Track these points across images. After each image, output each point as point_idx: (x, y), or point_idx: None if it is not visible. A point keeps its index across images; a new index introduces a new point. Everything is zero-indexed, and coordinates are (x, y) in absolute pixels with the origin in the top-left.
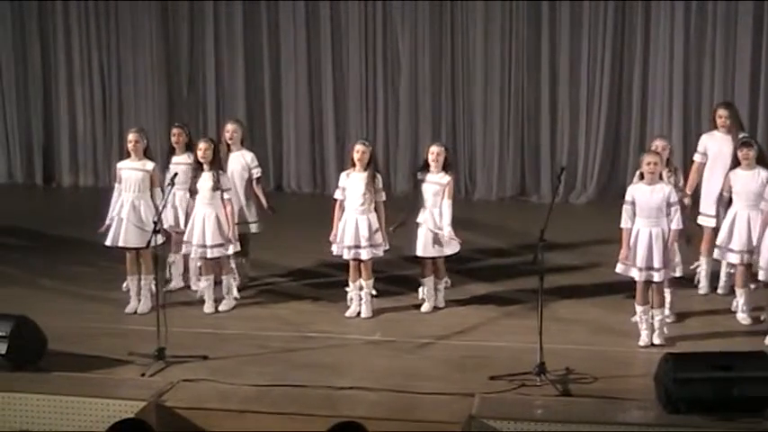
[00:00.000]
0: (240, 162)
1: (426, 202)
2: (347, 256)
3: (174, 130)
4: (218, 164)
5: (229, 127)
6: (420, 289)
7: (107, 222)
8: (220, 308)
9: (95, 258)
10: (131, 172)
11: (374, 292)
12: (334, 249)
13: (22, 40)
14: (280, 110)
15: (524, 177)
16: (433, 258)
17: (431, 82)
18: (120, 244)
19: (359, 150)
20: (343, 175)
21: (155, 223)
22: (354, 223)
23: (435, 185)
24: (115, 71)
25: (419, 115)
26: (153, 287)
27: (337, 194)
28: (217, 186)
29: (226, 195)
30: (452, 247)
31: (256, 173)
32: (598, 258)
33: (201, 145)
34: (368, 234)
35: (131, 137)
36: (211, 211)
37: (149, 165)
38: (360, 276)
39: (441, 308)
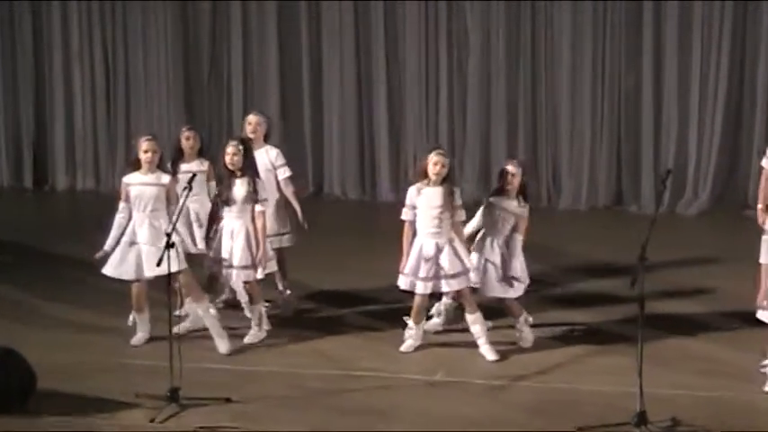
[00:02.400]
0: (263, 161)
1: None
2: (423, 290)
3: (187, 133)
4: (253, 169)
5: (252, 119)
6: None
7: (106, 249)
8: (246, 339)
9: (96, 278)
10: (144, 188)
11: (489, 324)
12: (403, 283)
13: (11, 18)
14: (320, 101)
15: (621, 183)
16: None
17: (505, 69)
18: (147, 274)
19: (437, 163)
20: (412, 190)
21: (168, 235)
22: (434, 249)
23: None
24: (122, 53)
25: (491, 109)
26: (212, 311)
27: (407, 215)
28: (253, 197)
29: (259, 207)
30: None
31: (282, 173)
32: (712, 282)
33: (229, 149)
34: (448, 261)
35: (148, 146)
36: (241, 225)
37: (165, 178)
38: (423, 317)
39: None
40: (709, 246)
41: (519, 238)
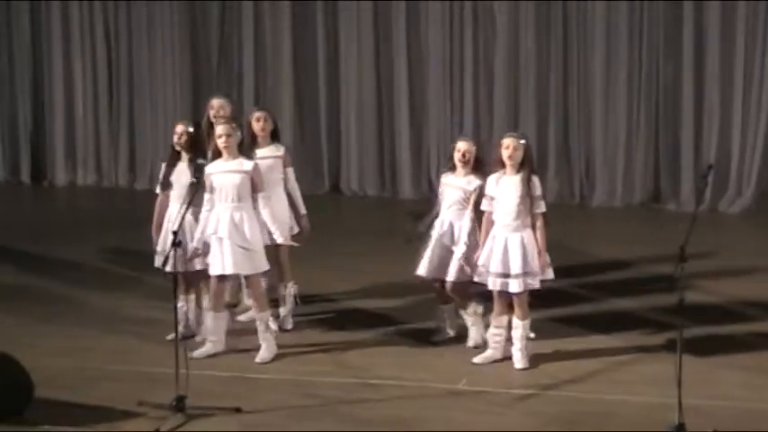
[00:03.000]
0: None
1: (446, 210)
2: (492, 286)
3: (258, 114)
4: (202, 152)
5: (215, 102)
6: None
7: (195, 245)
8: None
9: (98, 279)
10: (225, 177)
11: (532, 335)
12: (479, 275)
13: (7, 5)
14: (337, 93)
15: (658, 179)
16: (441, 281)
17: (535, 58)
18: (230, 271)
19: (508, 146)
20: (491, 179)
21: (174, 233)
22: (503, 244)
23: (459, 191)
24: (125, 43)
25: (519, 99)
26: (273, 325)
27: (485, 205)
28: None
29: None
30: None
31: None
32: (756, 285)
33: (179, 128)
34: (520, 259)
35: (221, 130)
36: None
37: (247, 164)
38: (506, 311)
39: (476, 346)
40: (754, 246)
41: (467, 215)
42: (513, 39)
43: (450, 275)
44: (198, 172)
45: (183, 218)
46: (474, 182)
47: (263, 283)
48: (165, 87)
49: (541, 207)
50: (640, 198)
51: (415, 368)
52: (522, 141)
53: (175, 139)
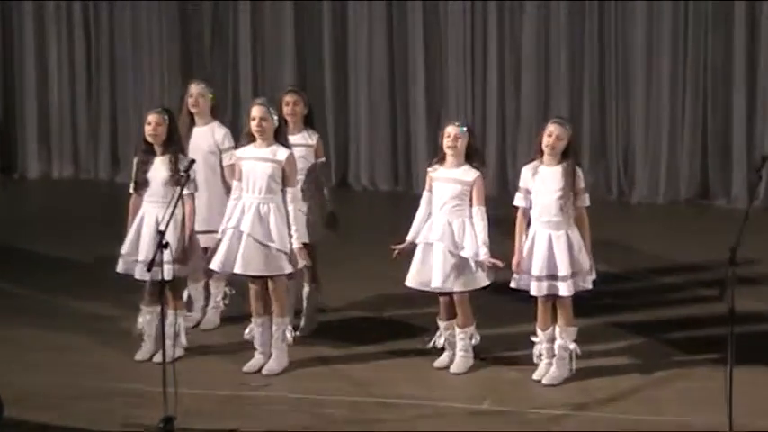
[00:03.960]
0: (207, 141)
1: (439, 209)
2: (536, 291)
3: (288, 97)
4: (178, 145)
5: (194, 90)
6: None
7: (218, 237)
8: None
9: (76, 284)
10: (255, 164)
11: (573, 348)
12: (515, 282)
13: None
14: (345, 74)
15: (706, 173)
16: (450, 294)
17: (567, 38)
18: (237, 271)
19: (551, 133)
20: (526, 170)
21: (161, 233)
22: (546, 243)
23: (455, 185)
24: (105, 17)
25: (549, 84)
26: (289, 335)
27: (519, 200)
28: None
29: (186, 190)
30: (483, 279)
31: (228, 158)
32: None
33: (151, 118)
34: (568, 258)
35: (256, 111)
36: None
37: (282, 153)
38: (553, 320)
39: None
40: None
41: (478, 210)
42: (542, 15)
43: (464, 284)
44: (188, 165)
45: (171, 215)
46: (471, 172)
47: (284, 286)
48: (151, 68)
49: (586, 201)
50: (686, 194)
51: (433, 386)
52: (567, 130)
53: (148, 130)
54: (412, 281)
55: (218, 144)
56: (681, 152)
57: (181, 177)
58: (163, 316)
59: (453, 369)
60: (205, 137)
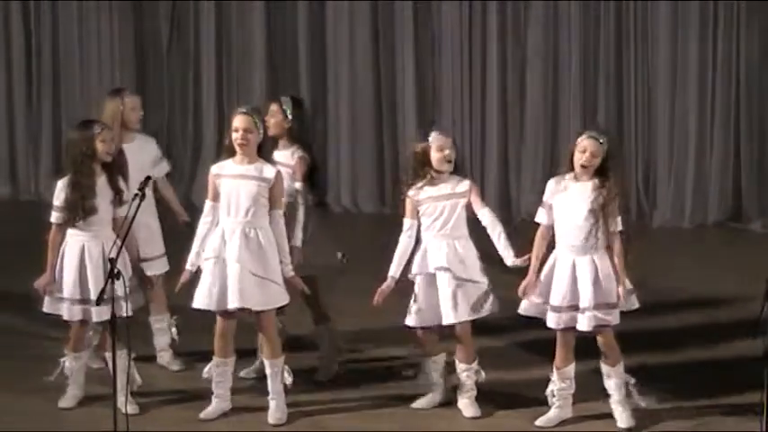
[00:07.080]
0: (148, 153)
1: (436, 232)
2: (555, 323)
3: (273, 106)
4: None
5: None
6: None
7: (188, 268)
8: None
9: (17, 318)
10: (239, 183)
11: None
12: (525, 308)
13: None
14: (323, 76)
15: (739, 194)
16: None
17: (579, 39)
18: (233, 305)
19: (585, 149)
20: (551, 183)
21: (111, 261)
22: (569, 269)
23: (452, 200)
24: (48, 14)
25: (558, 94)
26: (288, 376)
27: (541, 216)
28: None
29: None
30: (493, 304)
31: (163, 168)
32: None
33: (103, 134)
34: (591, 287)
35: (240, 122)
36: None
37: (269, 171)
38: (572, 357)
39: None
40: None
41: (487, 212)
42: (551, 14)
43: (473, 312)
44: (143, 183)
45: (125, 237)
46: (463, 182)
47: (274, 322)
48: (100, 71)
49: (619, 224)
50: (716, 217)
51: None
52: (603, 146)
53: (100, 147)
54: (415, 320)
55: (156, 156)
56: (709, 171)
57: (135, 195)
58: (114, 352)
59: (469, 413)
60: (143, 149)
